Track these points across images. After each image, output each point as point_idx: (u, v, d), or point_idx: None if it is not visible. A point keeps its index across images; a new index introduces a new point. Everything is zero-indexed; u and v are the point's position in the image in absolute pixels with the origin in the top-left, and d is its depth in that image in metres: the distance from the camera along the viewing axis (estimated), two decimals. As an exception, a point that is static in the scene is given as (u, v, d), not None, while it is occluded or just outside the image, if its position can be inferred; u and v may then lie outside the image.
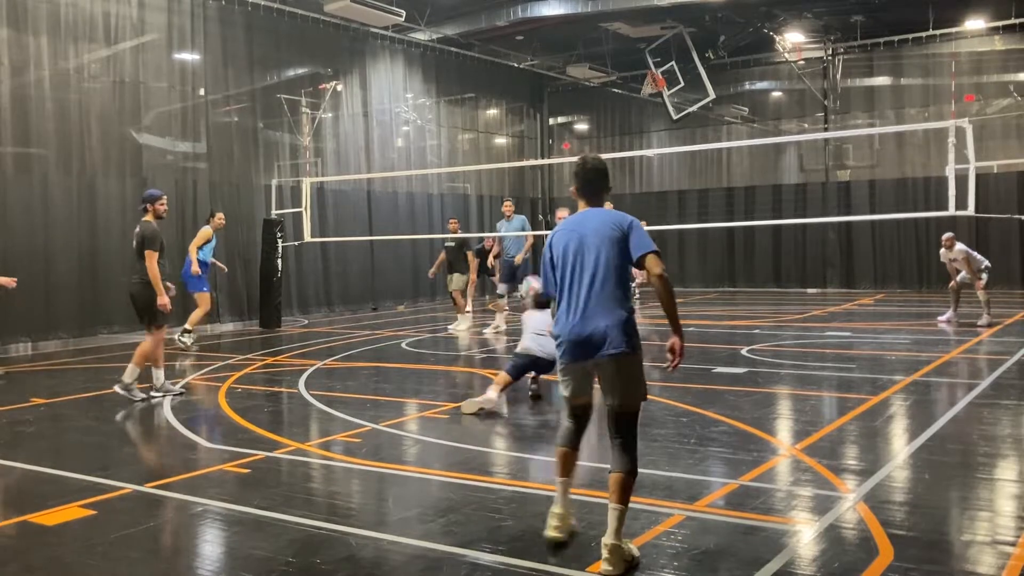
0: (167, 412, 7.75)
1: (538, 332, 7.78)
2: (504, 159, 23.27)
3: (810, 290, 20.73)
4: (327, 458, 6.07)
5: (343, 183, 17.91)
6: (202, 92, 15.21)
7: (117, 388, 8.33)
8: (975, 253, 13.38)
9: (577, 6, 17.69)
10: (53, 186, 12.99)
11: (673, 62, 19.55)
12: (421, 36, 19.31)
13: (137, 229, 8.36)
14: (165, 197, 8.61)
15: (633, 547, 3.97)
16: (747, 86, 23.09)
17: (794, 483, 5.21)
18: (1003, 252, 18.77)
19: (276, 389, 9.14)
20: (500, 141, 23.74)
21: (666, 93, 19.78)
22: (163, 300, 8.12)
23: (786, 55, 21.06)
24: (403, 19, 16.48)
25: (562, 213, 12.04)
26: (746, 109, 22.99)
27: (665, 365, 4.12)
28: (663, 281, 3.96)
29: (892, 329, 12.92)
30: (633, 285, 8.96)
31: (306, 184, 15.24)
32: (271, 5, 15.90)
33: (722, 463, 5.67)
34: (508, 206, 14.03)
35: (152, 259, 8.09)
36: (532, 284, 8.51)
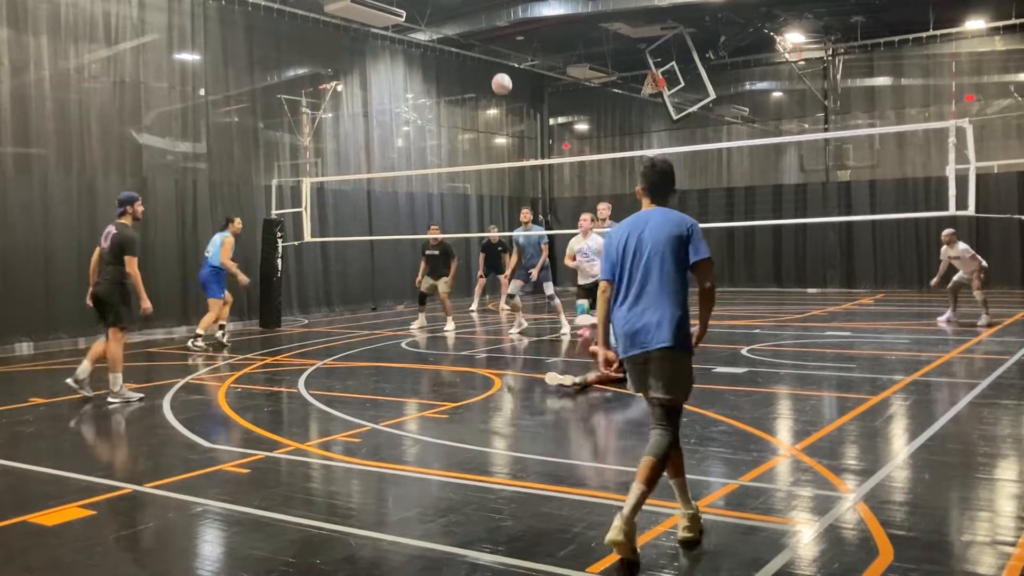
0: (167, 412, 7.75)
1: None
2: (504, 159, 23.27)
3: (810, 290, 20.74)
4: (327, 458, 6.07)
5: (343, 183, 17.91)
6: (202, 92, 15.20)
7: (110, 399, 8.23)
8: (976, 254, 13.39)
9: (577, 6, 17.69)
10: (53, 186, 12.99)
11: (673, 62, 19.56)
12: (421, 36, 19.31)
13: (114, 231, 8.16)
14: (141, 199, 8.54)
15: (695, 504, 4.32)
16: (747, 86, 23.10)
17: (794, 483, 5.21)
18: (1003, 252, 18.78)
19: (276, 389, 9.14)
20: (500, 141, 23.73)
21: (666, 93, 19.78)
22: (146, 304, 8.11)
23: (786, 55, 21.07)
24: (403, 19, 16.48)
25: (603, 209, 12.17)
26: (746, 109, 23.00)
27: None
28: (710, 290, 4.21)
29: (892, 329, 12.91)
30: None
31: (306, 184, 15.24)
32: (271, 5, 15.90)
33: (722, 463, 5.67)
34: (526, 214, 13.89)
35: (134, 264, 8.03)
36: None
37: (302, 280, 17.06)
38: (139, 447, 6.96)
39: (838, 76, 21.28)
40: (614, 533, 3.88)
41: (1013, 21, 18.40)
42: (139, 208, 8.36)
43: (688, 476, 5.31)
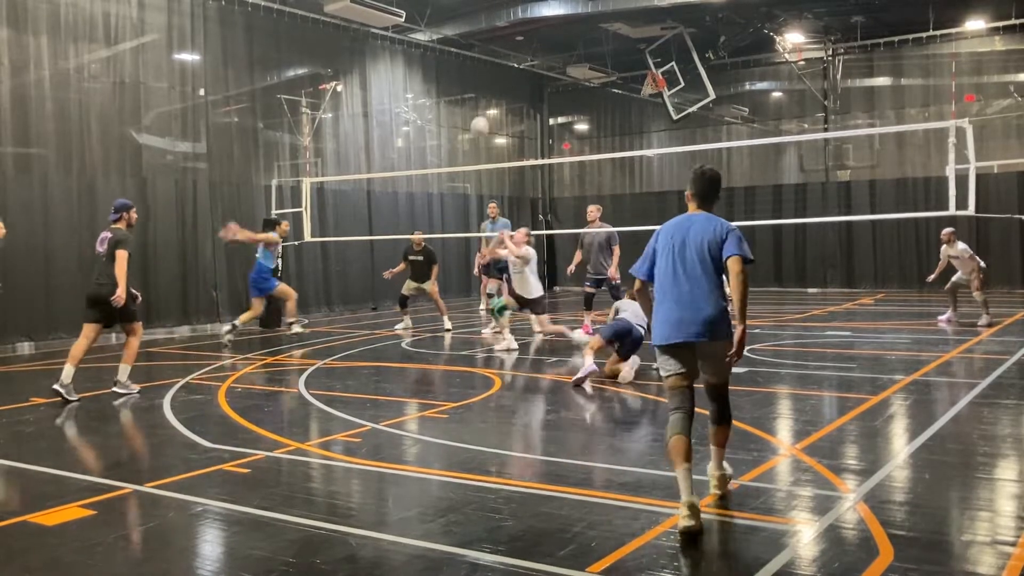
0: (167, 412, 7.75)
1: (634, 312, 8.77)
2: (504, 159, 23.27)
3: (810, 290, 20.74)
4: (327, 458, 6.07)
5: (343, 183, 17.90)
6: (202, 92, 15.20)
7: (116, 390, 8.61)
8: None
9: (577, 6, 17.69)
10: (53, 186, 12.99)
11: (673, 62, 19.56)
12: (421, 36, 19.31)
13: (108, 235, 8.47)
14: (135, 207, 8.90)
15: (727, 467, 4.94)
16: (747, 86, 23.09)
17: (794, 483, 5.21)
18: (1003, 252, 18.78)
19: (276, 389, 9.14)
20: (500, 141, 23.73)
21: (666, 93, 19.78)
22: (120, 295, 8.23)
23: (786, 55, 21.07)
24: (403, 19, 16.48)
25: (596, 212, 12.52)
26: (746, 109, 23.00)
27: (728, 355, 4.59)
28: (741, 279, 4.53)
29: (892, 329, 12.91)
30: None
31: (306, 184, 15.24)
32: (271, 5, 15.90)
33: (722, 463, 5.66)
34: (493, 208, 14.17)
35: (124, 259, 8.26)
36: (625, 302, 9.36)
37: (302, 280, 17.06)
38: (139, 447, 6.97)
39: (838, 76, 21.28)
40: (714, 484, 4.76)
41: (1013, 21, 18.40)
42: (133, 215, 8.67)
43: (688, 476, 5.34)
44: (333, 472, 5.81)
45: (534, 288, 11.40)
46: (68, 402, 8.22)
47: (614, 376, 8.75)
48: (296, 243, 15.84)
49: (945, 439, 6.17)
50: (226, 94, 15.78)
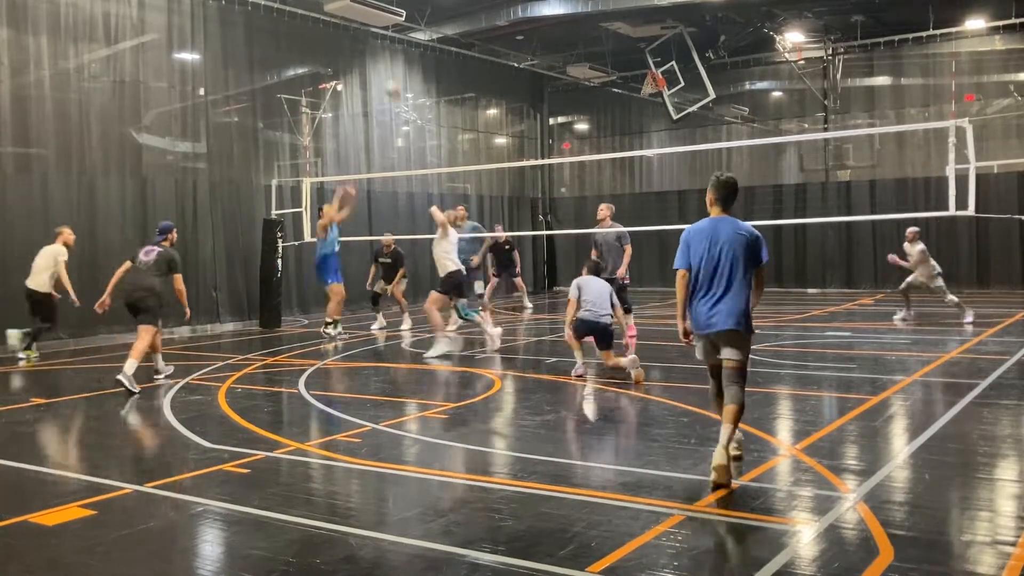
0: (167, 412, 7.75)
1: (592, 302, 8.96)
2: (504, 159, 23.27)
3: (810, 290, 20.73)
4: (327, 458, 6.07)
5: (343, 183, 17.87)
6: (202, 92, 15.20)
7: (156, 377, 9.58)
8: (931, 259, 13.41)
9: (577, 6, 17.69)
10: (53, 186, 12.99)
11: (673, 62, 19.55)
12: (421, 36, 19.31)
13: (159, 250, 9.36)
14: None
15: (739, 434, 5.59)
16: (747, 86, 23.08)
17: (794, 483, 5.21)
18: (1003, 252, 18.79)
19: (276, 389, 9.14)
20: (500, 141, 23.73)
21: (666, 93, 19.77)
22: (188, 311, 9.85)
23: (786, 55, 21.07)
24: (403, 19, 16.47)
25: (606, 212, 12.38)
26: (746, 109, 22.99)
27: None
28: (761, 286, 5.50)
29: (892, 329, 12.91)
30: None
31: (306, 184, 15.24)
32: (271, 5, 15.90)
33: (722, 463, 5.66)
34: (462, 211, 13.66)
35: (180, 280, 9.44)
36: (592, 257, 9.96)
37: (302, 280, 17.05)
38: (139, 447, 6.97)
39: (838, 76, 21.28)
40: (718, 458, 5.01)
41: (1013, 21, 18.40)
42: (175, 235, 9.81)
43: (688, 476, 5.35)
44: (333, 472, 5.81)
45: (445, 268, 11.06)
46: (132, 393, 8.62)
47: (620, 369, 8.84)
48: (296, 243, 15.84)
49: (945, 439, 6.17)
50: (226, 94, 15.78)
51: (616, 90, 23.20)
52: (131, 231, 13.82)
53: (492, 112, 23.51)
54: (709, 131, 22.95)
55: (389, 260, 14.71)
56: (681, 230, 5.94)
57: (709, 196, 5.61)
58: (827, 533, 4.28)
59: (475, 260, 13.68)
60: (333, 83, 17.79)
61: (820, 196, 20.92)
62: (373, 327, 14.59)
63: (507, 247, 16.84)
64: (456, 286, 11.17)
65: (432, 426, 7.10)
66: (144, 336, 9.06)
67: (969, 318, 12.81)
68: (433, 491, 5.24)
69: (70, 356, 11.93)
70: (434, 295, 11.18)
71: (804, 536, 4.27)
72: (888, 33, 19.81)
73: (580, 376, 9.00)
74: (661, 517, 4.53)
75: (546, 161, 24.58)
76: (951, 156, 10.24)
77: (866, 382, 8.49)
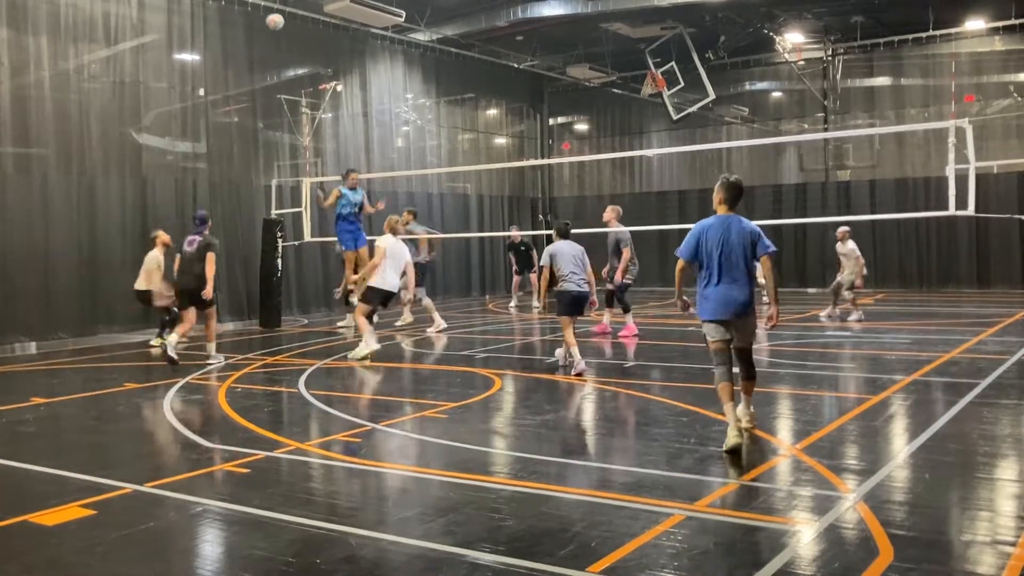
0: (167, 412, 7.75)
1: (571, 271, 9.14)
2: (504, 159, 23.27)
3: (810, 290, 20.72)
4: (327, 458, 6.07)
5: (343, 183, 17.85)
6: (202, 92, 15.20)
7: (210, 361, 10.47)
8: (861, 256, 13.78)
9: (577, 6, 17.69)
10: (53, 186, 12.99)
11: (673, 62, 19.56)
12: (421, 36, 19.31)
13: (198, 238, 10.30)
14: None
15: (752, 408, 6.44)
16: (747, 86, 23.09)
17: (794, 483, 5.21)
18: (1003, 252, 18.80)
19: (276, 389, 9.14)
20: (500, 141, 23.74)
21: (666, 93, 19.78)
22: (208, 291, 10.27)
23: (786, 55, 21.07)
24: (403, 19, 16.47)
25: (610, 214, 12.52)
26: (746, 109, 23.00)
27: (766, 325, 6.31)
28: (773, 272, 6.14)
29: (892, 329, 12.91)
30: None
31: (306, 184, 15.24)
32: (271, 5, 15.90)
33: (722, 463, 5.67)
34: (407, 215, 14.22)
35: (213, 260, 10.16)
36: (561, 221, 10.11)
37: (302, 280, 17.06)
38: (139, 447, 6.96)
39: (838, 76, 21.28)
40: (732, 439, 5.73)
41: (1013, 21, 18.41)
42: (210, 223, 10.62)
43: (688, 476, 5.35)
44: (333, 472, 5.82)
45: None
46: (175, 364, 9.96)
47: (606, 333, 9.31)
48: (296, 243, 15.84)
49: (945, 439, 6.17)
50: (226, 94, 15.78)
51: (616, 90, 23.21)
52: (131, 231, 13.82)
53: (492, 112, 23.51)
54: (709, 131, 22.96)
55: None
56: (681, 230, 6.12)
57: (718, 195, 6.18)
58: (827, 533, 4.28)
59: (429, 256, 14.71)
60: (333, 83, 17.79)
61: (820, 196, 20.92)
62: (339, 324, 14.75)
63: (523, 247, 17.79)
64: (384, 299, 11.04)
65: (432, 426, 7.10)
66: (211, 320, 10.51)
67: (856, 316, 13.47)
68: (433, 491, 5.24)
69: (70, 356, 11.93)
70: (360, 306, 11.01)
71: (804, 536, 4.27)
72: (888, 34, 19.82)
73: (580, 375, 8.99)
74: (661, 517, 4.53)
75: (546, 161, 24.58)
76: (951, 156, 10.24)
77: (866, 382, 8.49)
